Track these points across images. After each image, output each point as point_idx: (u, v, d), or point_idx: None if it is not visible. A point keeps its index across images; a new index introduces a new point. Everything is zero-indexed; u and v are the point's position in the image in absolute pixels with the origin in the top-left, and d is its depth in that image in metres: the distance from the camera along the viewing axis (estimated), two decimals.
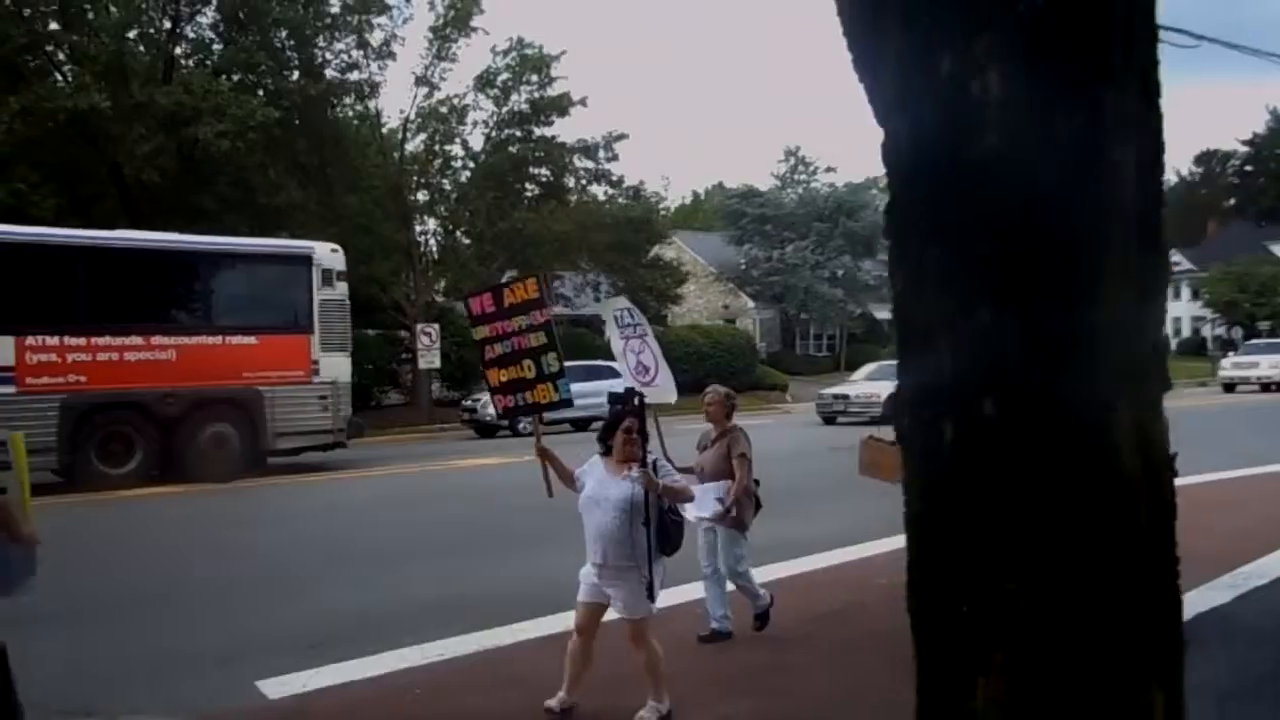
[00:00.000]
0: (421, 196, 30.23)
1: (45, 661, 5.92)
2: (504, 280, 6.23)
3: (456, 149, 30.96)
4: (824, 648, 6.17)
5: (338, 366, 15.68)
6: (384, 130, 29.06)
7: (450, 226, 29.87)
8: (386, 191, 28.02)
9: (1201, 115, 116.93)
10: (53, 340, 13.44)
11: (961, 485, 1.49)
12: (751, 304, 48.16)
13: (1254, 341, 41.76)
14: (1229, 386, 33.76)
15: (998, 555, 1.47)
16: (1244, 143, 79.63)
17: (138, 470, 14.02)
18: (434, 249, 30.02)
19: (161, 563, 9.32)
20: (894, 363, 1.72)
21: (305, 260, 15.44)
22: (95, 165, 19.72)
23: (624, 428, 4.99)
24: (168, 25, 22.21)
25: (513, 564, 8.67)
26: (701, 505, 5.98)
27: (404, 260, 28.08)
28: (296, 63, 23.33)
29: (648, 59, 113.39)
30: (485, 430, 23.13)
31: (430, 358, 24.94)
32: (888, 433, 4.94)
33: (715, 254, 48.77)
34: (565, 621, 6.29)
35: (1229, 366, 35.68)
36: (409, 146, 29.62)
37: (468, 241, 30.32)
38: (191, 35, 23.15)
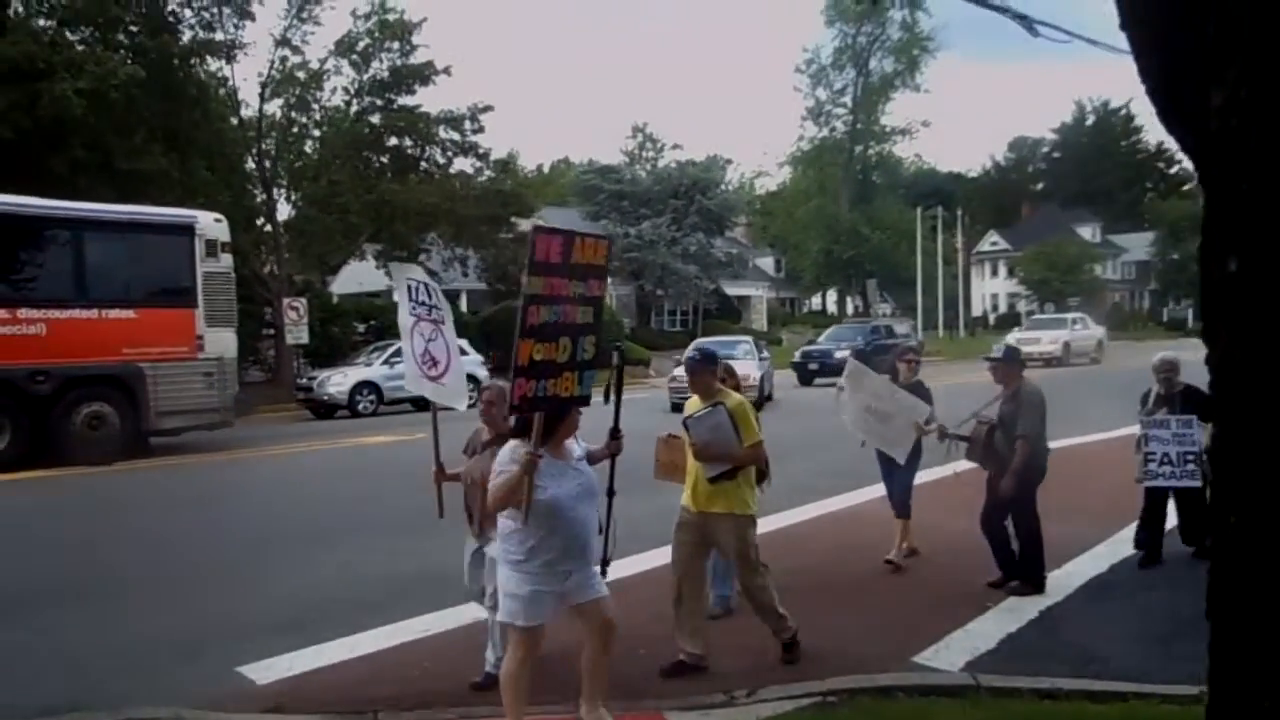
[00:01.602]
0: (280, 166, 28.89)
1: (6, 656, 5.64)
2: (568, 231, 4.56)
3: (315, 116, 29.83)
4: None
5: (223, 342, 14.97)
6: (239, 96, 27.51)
7: (310, 196, 28.62)
8: (241, 159, 26.68)
9: (1014, 104, 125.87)
10: None
11: None
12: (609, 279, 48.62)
13: (1037, 317, 43.62)
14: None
15: None
16: (1052, 131, 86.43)
17: (6, 452, 12.99)
18: (296, 220, 28.71)
19: (81, 553, 8.79)
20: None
21: (188, 230, 14.62)
22: None
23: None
24: None
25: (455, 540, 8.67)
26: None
27: (265, 231, 26.83)
28: (150, 20, 21.72)
29: (486, 30, 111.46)
30: (323, 411, 22.23)
31: (298, 333, 24.01)
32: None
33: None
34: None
35: (1012, 343, 38.11)
36: (267, 111, 28.25)
37: (329, 214, 29.21)
38: None
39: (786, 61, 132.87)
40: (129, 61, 18.66)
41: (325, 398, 22.24)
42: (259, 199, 27.57)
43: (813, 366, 27.75)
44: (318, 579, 7.56)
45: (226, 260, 15.01)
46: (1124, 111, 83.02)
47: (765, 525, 8.88)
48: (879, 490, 8.26)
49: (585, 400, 4.47)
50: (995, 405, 6.88)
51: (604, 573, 4.67)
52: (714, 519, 5.41)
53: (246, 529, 9.68)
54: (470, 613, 6.34)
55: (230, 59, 24.37)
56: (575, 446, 4.44)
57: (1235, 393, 1.82)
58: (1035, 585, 6.73)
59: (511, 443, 4.31)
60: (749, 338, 25.90)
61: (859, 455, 8.02)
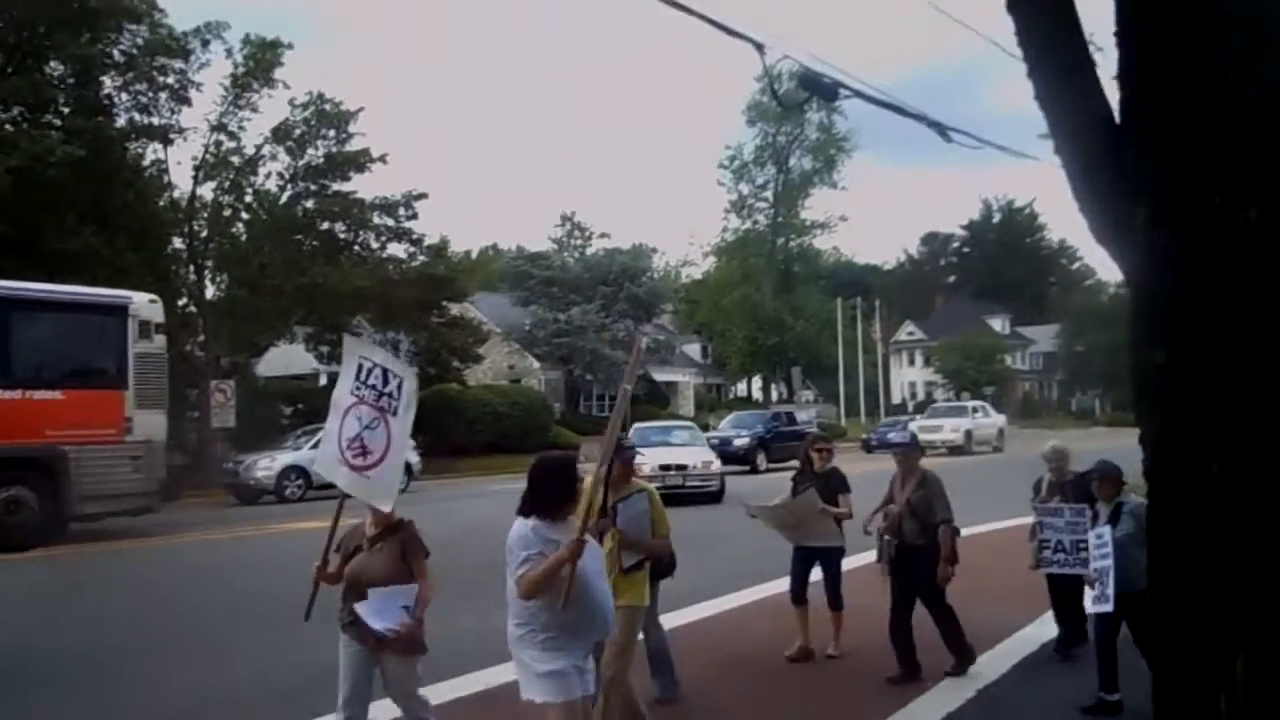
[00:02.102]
0: (209, 248, 28.69)
1: None
2: None
3: (248, 199, 29.81)
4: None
5: (153, 424, 14.67)
6: (169, 178, 27.41)
7: (240, 279, 28.40)
8: (168, 240, 26.48)
9: (927, 200, 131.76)
10: None
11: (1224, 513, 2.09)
12: (537, 364, 48.72)
13: (937, 405, 43.17)
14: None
15: (1250, 569, 2.09)
16: (962, 227, 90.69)
17: None
18: (224, 301, 28.39)
19: (22, 639, 8.47)
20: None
21: (121, 310, 14.44)
22: None
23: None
24: None
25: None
26: (383, 612, 4.62)
27: (193, 313, 26.47)
28: (84, 101, 21.71)
29: (414, 118, 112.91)
30: (249, 496, 21.80)
31: (225, 416, 23.59)
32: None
33: (499, 314, 49.01)
34: (488, 679, 6.55)
35: (916, 431, 37.23)
36: (199, 194, 28.19)
37: (250, 295, 28.96)
38: None
39: (710, 155, 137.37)
40: (64, 142, 18.52)
41: (252, 482, 21.80)
42: (190, 279, 27.24)
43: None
44: (267, 663, 7.42)
45: (160, 342, 14.83)
46: (1028, 210, 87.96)
47: (701, 610, 9.08)
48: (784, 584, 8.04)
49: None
50: (901, 496, 6.86)
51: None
52: (619, 612, 4.92)
53: (189, 613, 9.51)
54: (486, 679, 6.52)
55: (167, 143, 24.36)
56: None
57: (1166, 467, 2.15)
58: (966, 658, 6.84)
59: (529, 523, 4.20)
60: (690, 423, 25.96)
61: (761, 549, 8.11)
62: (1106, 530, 6.13)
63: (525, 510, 4.24)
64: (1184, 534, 2.12)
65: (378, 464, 4.99)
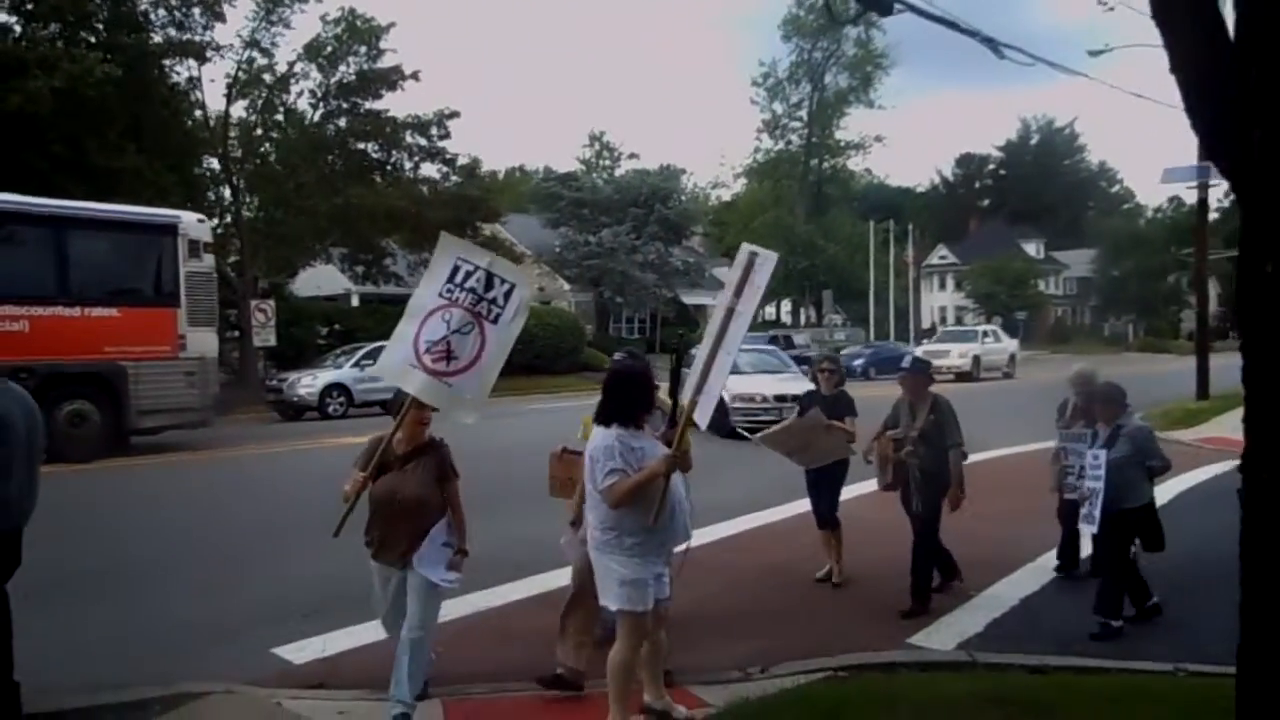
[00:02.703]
0: (243, 167, 28.79)
1: (47, 638, 5.76)
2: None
3: (279, 118, 29.77)
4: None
5: (205, 342, 15.05)
6: (201, 98, 27.39)
7: (275, 199, 28.55)
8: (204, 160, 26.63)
9: (962, 121, 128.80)
10: None
11: None
12: (567, 286, 48.83)
13: (946, 329, 42.03)
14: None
15: None
16: (998, 148, 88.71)
17: None
18: (260, 222, 28.60)
19: (94, 545, 8.89)
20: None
21: (171, 230, 14.68)
22: None
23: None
24: None
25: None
26: (434, 560, 4.56)
27: (230, 233, 26.72)
28: (120, 17, 21.64)
29: (439, 35, 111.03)
30: (292, 413, 22.27)
31: (265, 335, 24.00)
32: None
33: (528, 236, 48.96)
34: (546, 582, 6.84)
35: (920, 355, 33.84)
36: (232, 113, 28.19)
37: (285, 215, 29.12)
38: None
39: (742, 73, 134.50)
40: (104, 59, 18.56)
41: (295, 399, 22.28)
42: (225, 199, 27.43)
43: None
44: (333, 568, 7.71)
45: (208, 261, 15.12)
46: (1067, 131, 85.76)
47: (746, 522, 9.29)
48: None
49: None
50: (915, 421, 6.71)
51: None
52: None
53: (251, 523, 9.85)
54: (479, 601, 6.62)
55: (203, 60, 24.31)
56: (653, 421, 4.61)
57: (1267, 373, 2.28)
58: (921, 603, 6.59)
59: (611, 433, 4.22)
60: (772, 347, 23.89)
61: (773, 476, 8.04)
62: (1102, 453, 6.17)
63: (603, 419, 4.28)
64: None
65: (463, 370, 4.60)
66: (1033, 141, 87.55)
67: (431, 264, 4.84)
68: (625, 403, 4.28)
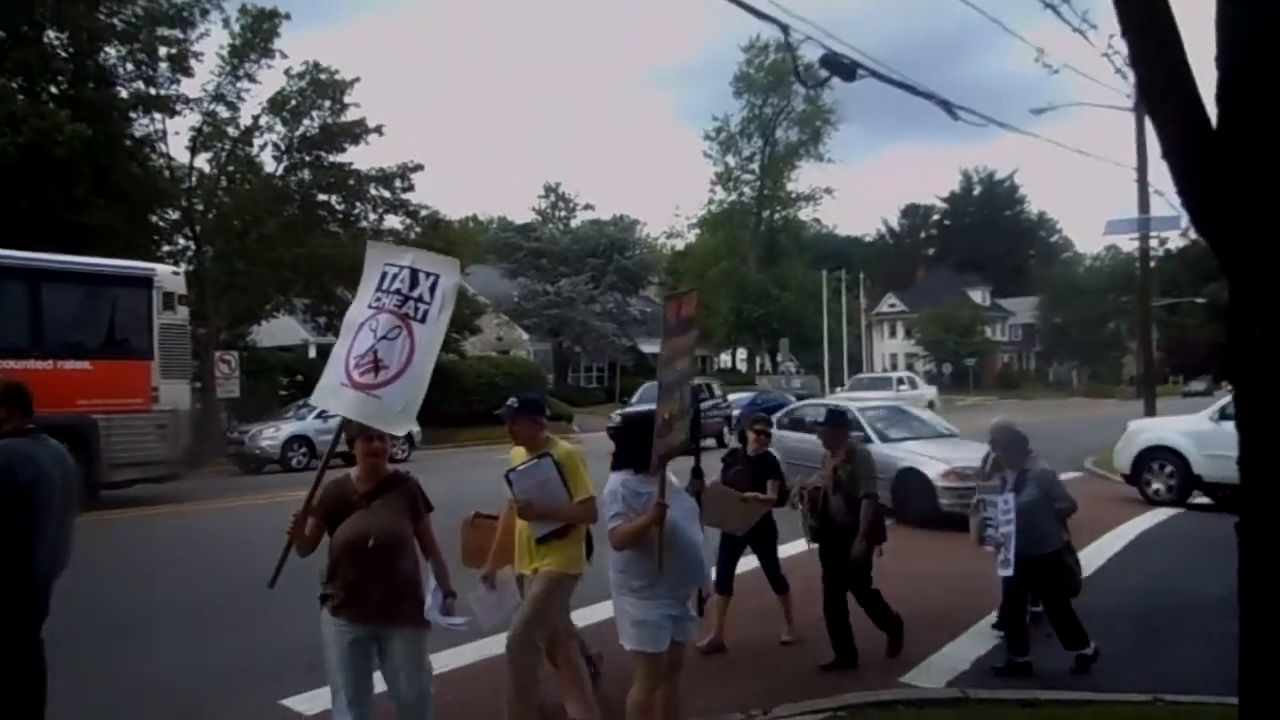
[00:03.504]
0: (207, 219, 28.71)
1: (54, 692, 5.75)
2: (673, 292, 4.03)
3: (244, 171, 29.81)
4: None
5: (178, 394, 15.02)
6: (166, 150, 27.40)
7: (238, 250, 28.45)
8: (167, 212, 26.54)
9: (906, 173, 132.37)
10: None
11: None
12: (526, 336, 49.01)
13: (859, 376, 39.93)
14: None
15: None
16: (941, 199, 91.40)
17: None
18: (223, 274, 28.45)
19: (75, 599, 8.78)
20: None
21: (146, 283, 14.71)
22: None
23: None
24: None
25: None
26: (434, 607, 4.26)
27: (191, 284, 26.49)
28: (85, 71, 21.70)
29: (392, 87, 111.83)
30: (253, 466, 22.17)
31: (229, 387, 23.78)
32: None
33: (487, 287, 49.23)
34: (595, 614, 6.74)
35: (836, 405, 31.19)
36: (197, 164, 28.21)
37: (249, 267, 29.04)
38: None
39: (694, 125, 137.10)
40: (71, 116, 18.58)
41: (257, 451, 22.11)
42: (189, 252, 27.32)
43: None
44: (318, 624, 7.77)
45: (183, 313, 15.13)
46: (1007, 183, 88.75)
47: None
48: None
49: (688, 448, 4.61)
50: (823, 470, 6.72)
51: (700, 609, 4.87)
52: (539, 574, 4.90)
53: (230, 577, 9.72)
54: (480, 649, 6.41)
55: (172, 114, 24.39)
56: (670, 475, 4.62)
57: (1259, 432, 2.64)
58: (896, 637, 6.66)
59: (619, 477, 4.36)
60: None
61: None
62: (1010, 497, 6.32)
63: (615, 465, 4.46)
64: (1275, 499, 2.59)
65: (391, 380, 4.23)
66: (975, 193, 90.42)
67: (363, 278, 4.51)
68: (634, 449, 4.33)
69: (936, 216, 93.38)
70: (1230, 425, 11.56)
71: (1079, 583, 6.89)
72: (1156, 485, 13.66)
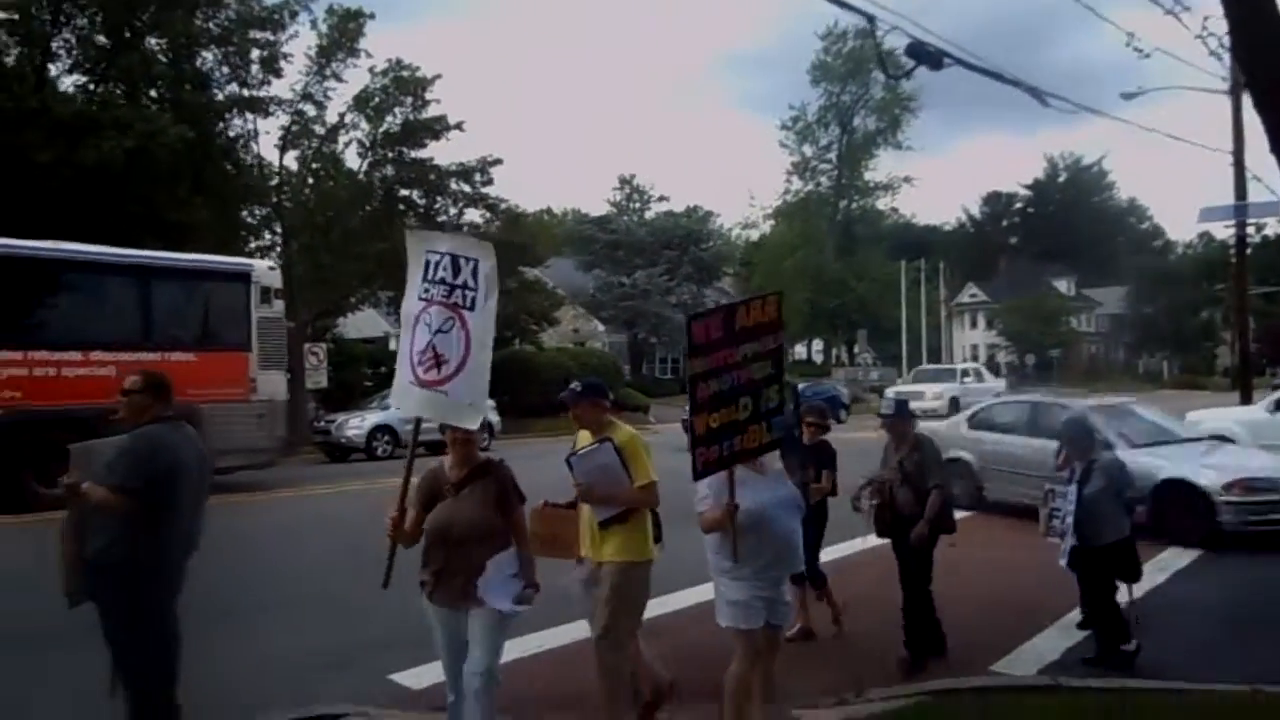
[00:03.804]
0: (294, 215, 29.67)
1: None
2: (735, 301, 4.69)
3: (329, 168, 30.70)
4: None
5: (274, 384, 15.63)
6: (257, 150, 28.42)
7: (325, 245, 29.35)
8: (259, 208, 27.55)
9: (988, 161, 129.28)
10: None
11: None
12: (602, 328, 49.41)
13: (921, 368, 38.23)
14: None
15: None
16: (1025, 187, 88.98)
17: None
18: (309, 268, 29.39)
19: (192, 580, 9.27)
20: None
21: (244, 277, 15.36)
22: None
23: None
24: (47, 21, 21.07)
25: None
26: (499, 590, 4.23)
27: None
28: (183, 75, 22.67)
29: (467, 82, 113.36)
30: (337, 453, 22.83)
31: (318, 377, 24.61)
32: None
33: (562, 278, 49.80)
34: (667, 604, 7.06)
35: (892, 397, 28.04)
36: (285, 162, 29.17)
37: (335, 261, 29.92)
38: (67, 39, 22.04)
39: (770, 114, 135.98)
40: (175, 120, 19.45)
41: (343, 440, 22.82)
42: (276, 247, 28.29)
43: None
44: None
45: (278, 307, 15.74)
46: (1095, 169, 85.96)
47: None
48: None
49: (775, 445, 4.65)
50: (891, 463, 6.65)
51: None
52: (605, 567, 4.85)
53: (333, 559, 10.13)
54: (577, 631, 6.88)
55: (266, 114, 25.29)
56: (774, 462, 4.76)
57: None
58: (916, 653, 6.47)
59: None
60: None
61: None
62: (1072, 490, 6.38)
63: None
64: None
65: (454, 375, 4.24)
66: (1060, 180, 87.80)
67: (409, 269, 4.45)
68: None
69: (1020, 204, 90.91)
70: None
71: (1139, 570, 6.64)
72: None
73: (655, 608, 6.88)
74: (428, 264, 4.32)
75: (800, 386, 31.39)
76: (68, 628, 5.29)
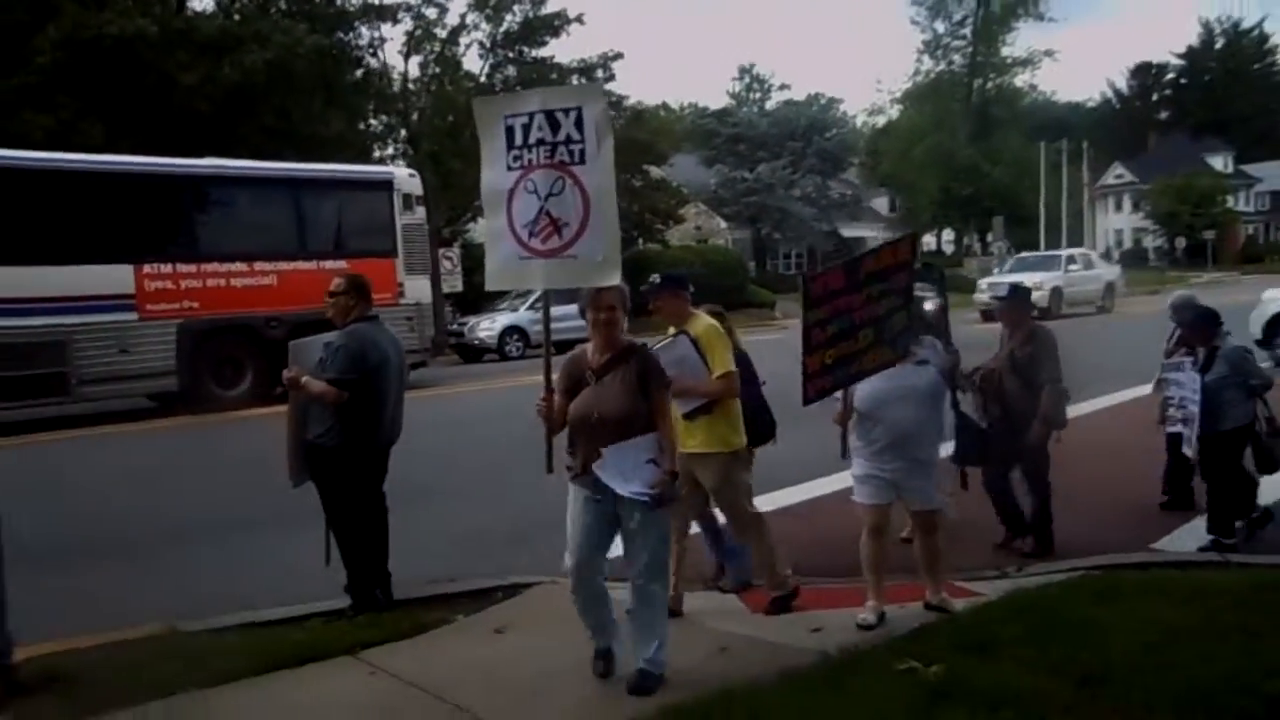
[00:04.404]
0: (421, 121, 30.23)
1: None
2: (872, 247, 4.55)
3: (452, 72, 31.03)
4: None
5: (420, 289, 16.32)
6: (384, 56, 28.89)
7: (453, 150, 29.87)
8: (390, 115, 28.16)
9: (1137, 28, 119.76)
10: (167, 268, 13.84)
11: None
12: (724, 225, 48.89)
13: (1022, 255, 34.90)
14: (987, 314, 21.73)
15: None
16: (1178, 56, 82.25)
17: (250, 391, 14.57)
18: (434, 173, 30.04)
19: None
20: None
21: (387, 185, 15.92)
22: (137, 93, 19.46)
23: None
24: None
25: None
26: (626, 472, 3.95)
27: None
28: None
29: None
30: (470, 355, 23.64)
31: (453, 281, 25.40)
32: None
33: (684, 175, 49.04)
34: (790, 496, 7.31)
35: (985, 289, 25.86)
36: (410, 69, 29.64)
37: (464, 167, 30.40)
38: None
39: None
40: (313, 30, 19.97)
41: (476, 342, 23.68)
42: (406, 154, 28.97)
43: None
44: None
45: (420, 213, 16.30)
46: (1256, 33, 78.68)
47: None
48: None
49: (899, 358, 4.69)
50: (1004, 350, 6.36)
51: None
52: (695, 459, 4.87)
53: (498, 447, 10.59)
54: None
55: (396, 21, 25.69)
56: (920, 350, 4.84)
57: None
58: (1045, 545, 6.31)
59: None
60: None
61: None
62: (1196, 375, 6.18)
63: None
64: None
65: (578, 235, 3.94)
66: (1216, 46, 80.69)
67: (483, 142, 4.14)
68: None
69: (1171, 75, 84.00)
70: None
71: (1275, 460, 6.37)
72: None
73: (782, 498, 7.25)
74: (509, 130, 4.00)
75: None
76: (285, 509, 5.88)
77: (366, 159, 22.05)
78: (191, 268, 14.08)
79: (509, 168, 3.99)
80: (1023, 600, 4.97)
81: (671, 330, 4.94)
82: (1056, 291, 27.69)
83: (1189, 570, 5.65)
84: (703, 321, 4.91)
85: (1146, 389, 7.03)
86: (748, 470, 5.20)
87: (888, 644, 4.41)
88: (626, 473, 3.88)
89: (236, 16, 20.05)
